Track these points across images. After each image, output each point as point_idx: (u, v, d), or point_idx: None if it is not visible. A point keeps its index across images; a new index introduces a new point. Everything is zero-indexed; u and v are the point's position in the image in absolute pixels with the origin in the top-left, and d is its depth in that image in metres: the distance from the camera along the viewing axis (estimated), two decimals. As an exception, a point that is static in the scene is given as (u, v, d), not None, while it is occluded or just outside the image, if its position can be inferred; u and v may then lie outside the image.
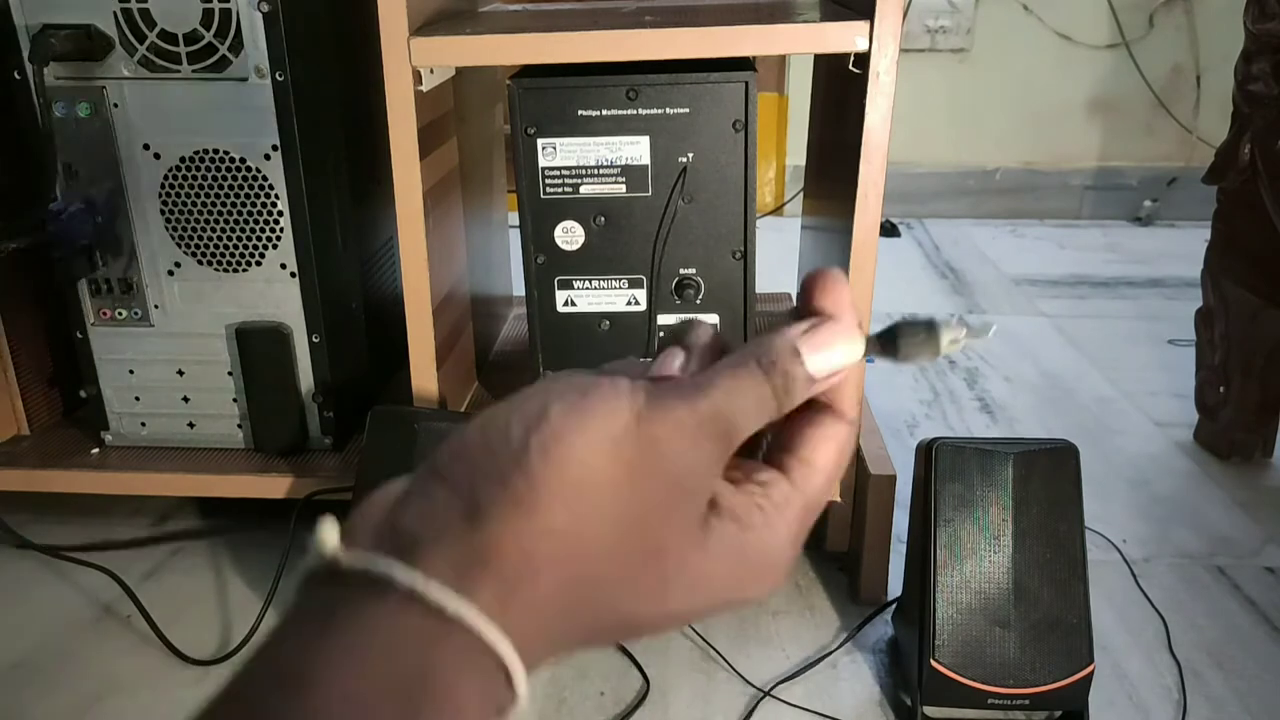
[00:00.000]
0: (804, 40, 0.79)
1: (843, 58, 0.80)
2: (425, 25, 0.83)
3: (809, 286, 0.30)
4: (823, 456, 0.30)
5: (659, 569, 0.26)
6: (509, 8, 1.12)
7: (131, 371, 0.94)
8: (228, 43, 0.83)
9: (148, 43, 0.83)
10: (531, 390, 0.26)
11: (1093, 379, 1.36)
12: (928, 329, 0.30)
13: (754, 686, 0.79)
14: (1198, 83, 2.08)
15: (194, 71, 0.84)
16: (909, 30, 2.06)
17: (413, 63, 0.79)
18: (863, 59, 0.78)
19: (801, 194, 1.41)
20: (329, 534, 0.25)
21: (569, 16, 0.92)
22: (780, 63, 2.14)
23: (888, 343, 0.30)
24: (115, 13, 0.82)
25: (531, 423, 0.24)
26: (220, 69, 0.83)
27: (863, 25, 0.76)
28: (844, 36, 0.77)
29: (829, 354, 0.29)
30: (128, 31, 0.83)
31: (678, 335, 0.31)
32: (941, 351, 0.30)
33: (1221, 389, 1.13)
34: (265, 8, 0.81)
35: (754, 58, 0.84)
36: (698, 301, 0.88)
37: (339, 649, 0.23)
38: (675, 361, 0.30)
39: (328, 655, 0.23)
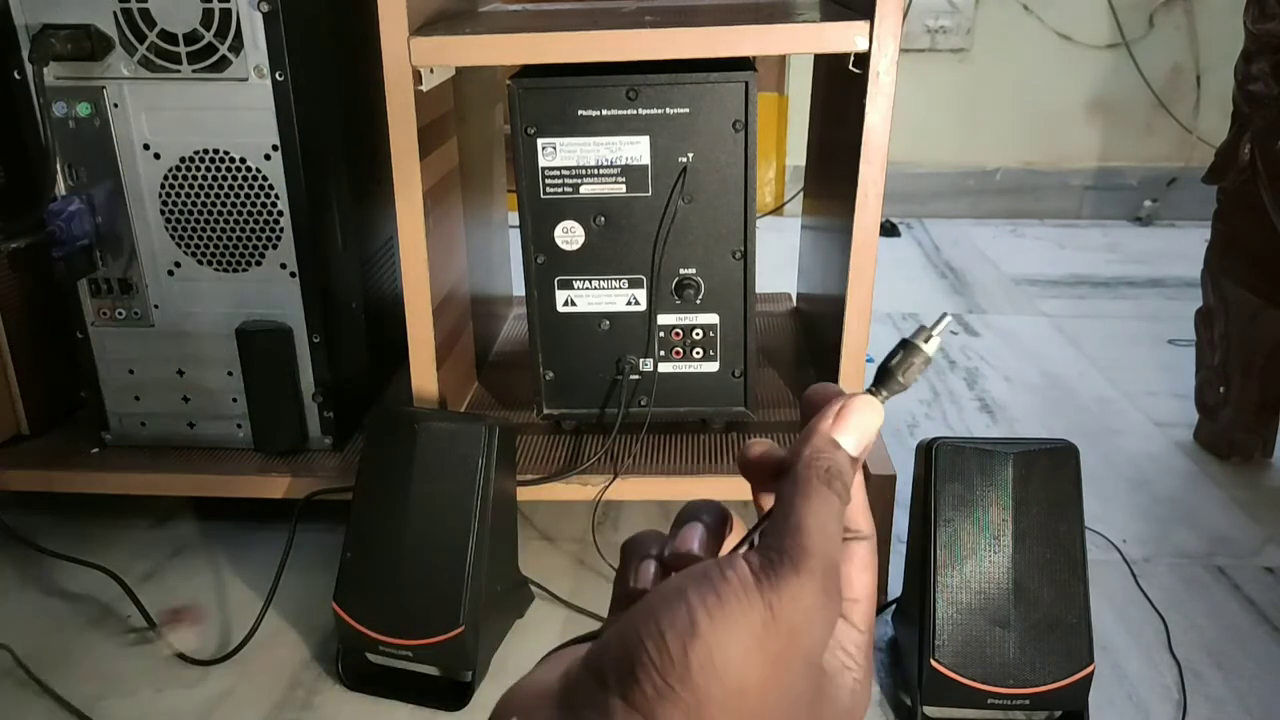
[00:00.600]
0: (804, 40, 0.79)
1: (843, 58, 0.80)
2: (425, 25, 0.83)
3: (812, 400, 0.32)
4: (862, 587, 0.31)
5: None
6: (509, 8, 1.12)
7: (131, 371, 0.94)
8: (228, 43, 0.83)
9: (148, 43, 0.83)
10: (670, 596, 0.26)
11: (1093, 379, 1.36)
12: (905, 348, 0.32)
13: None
14: (1198, 83, 2.08)
15: (194, 71, 0.84)
16: (909, 30, 2.06)
17: (413, 63, 0.79)
18: (863, 59, 0.78)
19: (801, 194, 1.41)
20: None
21: (569, 16, 0.92)
22: (780, 63, 2.14)
23: (888, 380, 0.32)
24: (115, 13, 0.82)
25: (686, 636, 0.25)
26: (220, 69, 0.83)
27: (863, 25, 0.77)
28: (844, 36, 0.77)
29: (858, 428, 0.30)
30: (128, 31, 0.83)
31: (694, 510, 0.32)
32: (930, 353, 0.32)
33: (1221, 389, 1.13)
34: (265, 8, 0.81)
35: (754, 58, 0.84)
36: (698, 301, 0.88)
37: None
38: (695, 537, 0.31)
39: None
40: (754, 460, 0.32)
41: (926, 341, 0.32)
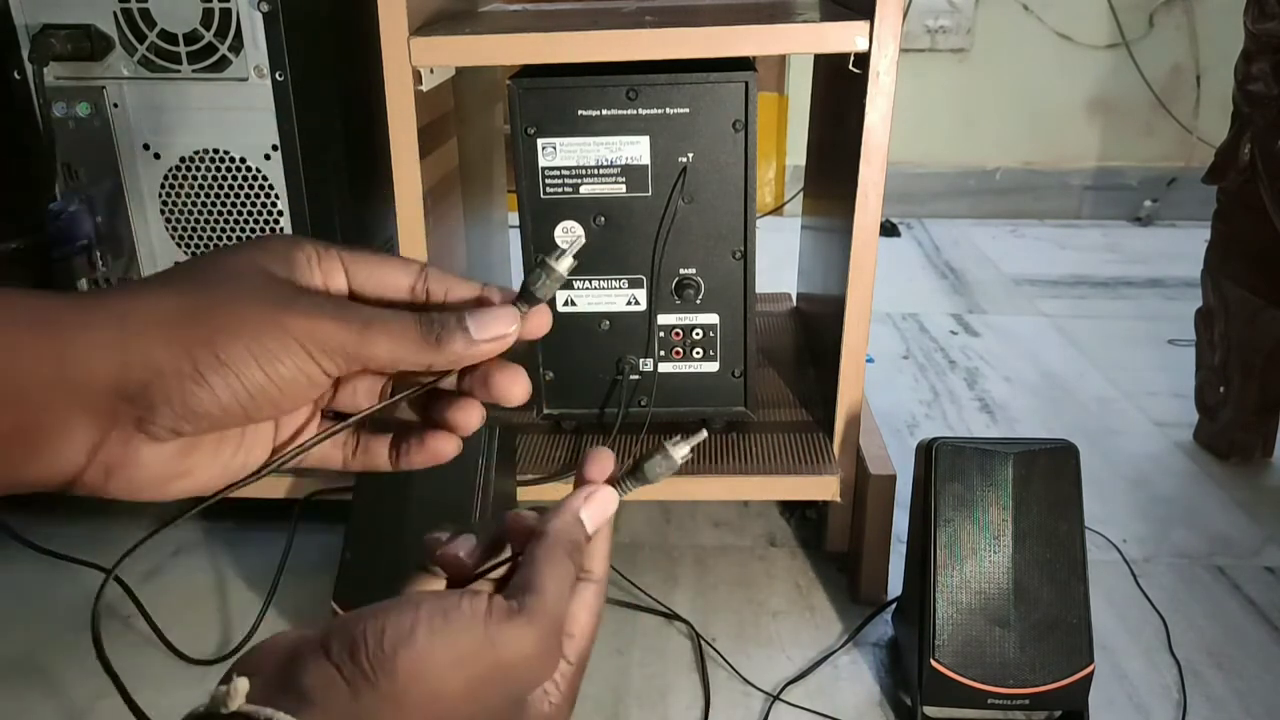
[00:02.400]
0: (804, 40, 0.79)
1: (843, 58, 0.80)
2: (425, 25, 0.83)
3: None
4: (581, 625, 0.36)
5: None
6: (509, 8, 1.12)
7: (131, 371, 0.94)
8: (228, 43, 0.83)
9: (148, 43, 0.83)
10: (406, 604, 0.32)
11: (1093, 379, 1.36)
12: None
13: (754, 687, 0.79)
14: (1198, 83, 2.08)
15: (194, 71, 0.84)
16: (909, 30, 2.06)
17: (413, 63, 0.79)
18: (863, 59, 0.78)
19: (801, 194, 1.41)
20: (239, 691, 0.29)
21: (569, 16, 0.92)
22: (780, 63, 2.14)
23: (637, 474, 0.38)
24: (115, 13, 0.82)
25: (403, 639, 0.30)
26: (220, 69, 0.83)
27: (863, 25, 0.77)
28: (844, 36, 0.77)
29: (599, 513, 0.37)
30: (128, 31, 0.83)
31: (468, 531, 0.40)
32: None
33: (1221, 389, 1.13)
34: (265, 8, 0.81)
35: (754, 58, 0.84)
36: (697, 301, 0.88)
37: None
38: (464, 547, 0.38)
39: None
40: (511, 522, 0.38)
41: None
